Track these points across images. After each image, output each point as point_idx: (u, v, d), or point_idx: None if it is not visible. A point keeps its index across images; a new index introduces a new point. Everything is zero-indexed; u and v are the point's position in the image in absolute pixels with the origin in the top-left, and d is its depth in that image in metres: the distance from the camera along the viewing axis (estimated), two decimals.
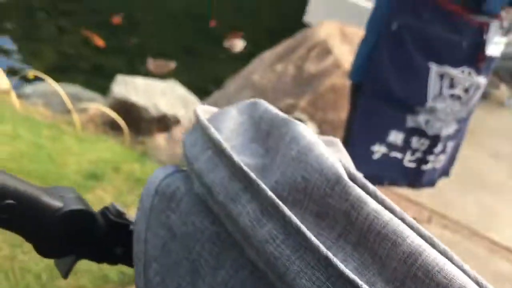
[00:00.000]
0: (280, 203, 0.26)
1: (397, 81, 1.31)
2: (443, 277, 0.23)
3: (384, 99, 1.34)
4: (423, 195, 2.39)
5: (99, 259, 0.42)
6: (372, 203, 0.26)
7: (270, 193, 0.27)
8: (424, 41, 1.27)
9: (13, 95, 2.80)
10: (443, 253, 0.26)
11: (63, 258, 0.40)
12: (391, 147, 1.41)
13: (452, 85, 1.32)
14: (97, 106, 2.88)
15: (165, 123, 2.79)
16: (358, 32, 3.01)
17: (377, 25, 1.32)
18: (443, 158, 1.54)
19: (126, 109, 2.81)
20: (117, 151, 2.31)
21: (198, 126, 0.34)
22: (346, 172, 0.29)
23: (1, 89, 2.88)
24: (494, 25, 1.27)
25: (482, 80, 1.35)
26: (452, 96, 1.34)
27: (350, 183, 0.27)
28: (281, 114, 0.33)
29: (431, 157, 1.47)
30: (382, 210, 0.26)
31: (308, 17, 4.75)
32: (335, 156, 0.30)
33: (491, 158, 3.09)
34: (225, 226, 0.31)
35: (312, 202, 0.28)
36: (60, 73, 4.09)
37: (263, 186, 0.27)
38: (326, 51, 2.74)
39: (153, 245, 0.35)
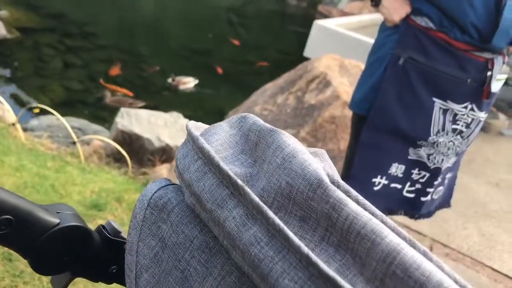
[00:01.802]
0: (265, 206, 0.27)
1: (402, 115, 1.32)
2: (421, 274, 0.24)
3: (387, 132, 1.34)
4: (423, 223, 2.37)
5: (94, 278, 0.41)
6: (352, 205, 0.27)
7: (255, 197, 0.28)
8: (429, 77, 1.28)
9: (19, 128, 2.84)
10: (424, 254, 0.26)
11: (58, 276, 0.41)
12: (392, 178, 1.41)
13: (454, 120, 1.33)
14: (101, 138, 2.91)
15: (167, 154, 2.80)
16: (356, 64, 3.07)
17: (382, 59, 1.34)
18: (441, 189, 1.53)
19: (130, 140, 2.84)
20: (119, 182, 2.32)
21: (189, 139, 0.35)
22: (330, 179, 0.30)
23: (8, 122, 2.93)
24: (498, 61, 1.28)
25: (483, 115, 1.35)
26: (454, 130, 1.35)
27: (332, 187, 0.28)
28: (268, 125, 0.35)
29: (430, 189, 1.46)
30: (362, 211, 0.27)
31: (307, 52, 4.84)
32: (319, 164, 0.31)
33: (491, 187, 3.08)
34: (213, 234, 0.32)
35: (296, 206, 0.29)
36: (65, 107, 4.15)
37: (249, 191, 0.28)
38: (325, 82, 2.78)
39: (145, 255, 0.36)
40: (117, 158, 2.77)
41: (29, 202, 0.37)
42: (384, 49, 1.34)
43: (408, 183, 1.43)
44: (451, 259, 2.20)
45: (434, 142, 1.34)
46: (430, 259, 0.27)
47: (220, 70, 5.97)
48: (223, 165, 0.31)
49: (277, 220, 0.27)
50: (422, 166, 1.40)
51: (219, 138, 0.36)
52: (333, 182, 0.30)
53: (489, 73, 1.27)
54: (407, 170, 1.40)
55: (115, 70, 5.21)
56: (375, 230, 0.26)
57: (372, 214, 0.30)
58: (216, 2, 11.69)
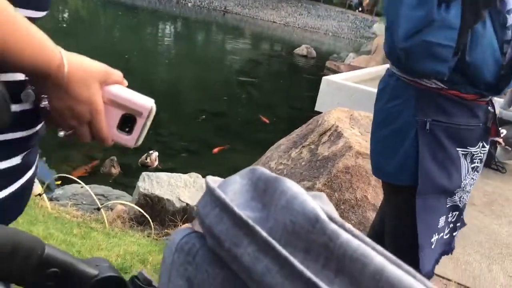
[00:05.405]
0: (273, 241, 0.33)
1: (442, 173, 1.38)
2: (404, 287, 0.29)
3: (434, 193, 1.40)
4: (447, 267, 2.33)
5: None
6: (344, 234, 0.33)
7: (265, 234, 0.34)
8: (452, 131, 1.36)
9: (45, 198, 2.95)
10: (407, 271, 0.32)
11: None
12: (439, 230, 1.47)
13: (472, 160, 1.42)
14: (124, 202, 2.99)
15: (188, 213, 2.86)
16: (366, 115, 3.15)
17: (406, 127, 1.38)
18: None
19: (151, 203, 2.91)
20: (143, 244, 2.37)
21: (208, 191, 0.42)
22: (328, 216, 0.36)
23: (34, 193, 3.05)
24: (494, 99, 1.41)
25: (488, 146, 1.46)
26: (473, 169, 1.44)
27: (327, 220, 0.34)
28: (273, 174, 0.41)
29: (458, 224, 1.53)
30: (352, 239, 0.33)
31: (318, 107, 4.98)
32: (316, 203, 0.37)
33: None
34: (232, 269, 0.38)
35: (300, 240, 0.35)
36: (88, 176, 4.29)
37: (259, 229, 0.35)
38: (337, 134, 2.85)
39: None
40: (140, 221, 2.83)
41: (72, 256, 0.44)
42: (403, 117, 1.39)
43: (447, 227, 1.49)
44: None
45: (464, 186, 1.43)
46: (414, 276, 0.32)
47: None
48: (237, 210, 0.38)
49: (283, 251, 0.33)
50: (455, 208, 1.48)
51: (232, 189, 0.43)
52: (330, 218, 0.36)
53: (492, 111, 1.39)
54: (446, 218, 1.47)
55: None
56: (364, 253, 0.32)
57: (362, 241, 0.35)
58: (227, 67, 12.19)
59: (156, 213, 2.86)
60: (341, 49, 19.56)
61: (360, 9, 36.59)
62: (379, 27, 19.95)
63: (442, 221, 1.45)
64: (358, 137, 2.83)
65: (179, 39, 15.96)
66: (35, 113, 0.58)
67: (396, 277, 0.30)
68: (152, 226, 2.73)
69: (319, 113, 3.80)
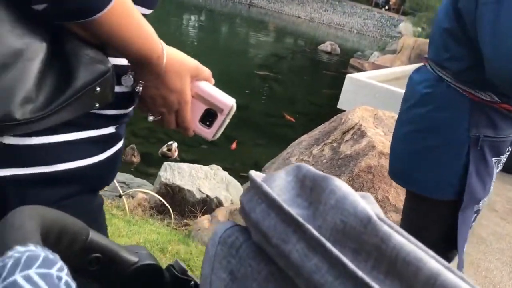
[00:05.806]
0: (323, 239, 0.33)
1: (481, 187, 1.36)
2: None
3: (472, 205, 1.39)
4: (468, 273, 2.29)
5: None
6: (397, 237, 0.33)
7: (315, 232, 0.34)
8: (495, 145, 1.34)
9: None
10: (461, 278, 0.31)
11: None
12: (467, 238, 1.46)
13: (497, 166, 1.41)
14: (145, 190, 3.03)
15: (208, 205, 2.88)
16: (390, 115, 3.11)
17: (456, 141, 1.33)
18: None
19: (172, 193, 2.94)
20: (163, 233, 2.40)
21: (253, 186, 0.42)
22: (377, 216, 0.35)
23: None
24: None
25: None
26: (496, 173, 1.43)
27: (379, 222, 0.34)
28: (320, 172, 0.41)
29: (473, 223, 1.51)
30: (406, 242, 0.32)
31: (341, 104, 4.94)
32: (366, 204, 0.37)
33: None
34: (278, 265, 0.38)
35: (350, 240, 0.35)
36: None
37: (309, 226, 0.34)
38: (360, 133, 2.83)
39: (216, 286, 0.42)
40: (160, 210, 2.87)
41: (114, 243, 0.44)
42: (455, 130, 1.33)
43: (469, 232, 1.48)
44: None
45: (490, 191, 1.42)
46: (468, 283, 0.32)
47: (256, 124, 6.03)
48: (286, 206, 0.37)
49: (334, 250, 0.33)
50: (477, 211, 1.46)
51: (278, 184, 0.42)
52: (379, 219, 0.36)
53: None
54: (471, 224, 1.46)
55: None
56: (417, 257, 0.31)
57: (415, 245, 0.35)
58: (250, 60, 12.17)
59: (177, 203, 2.89)
60: (366, 47, 19.36)
61: (386, 7, 36.08)
62: (405, 26, 19.65)
63: (470, 229, 1.44)
64: (382, 137, 2.79)
65: (203, 31, 16.02)
66: (130, 96, 0.64)
67: (451, 283, 0.29)
68: (172, 216, 2.76)
69: (342, 110, 3.77)
